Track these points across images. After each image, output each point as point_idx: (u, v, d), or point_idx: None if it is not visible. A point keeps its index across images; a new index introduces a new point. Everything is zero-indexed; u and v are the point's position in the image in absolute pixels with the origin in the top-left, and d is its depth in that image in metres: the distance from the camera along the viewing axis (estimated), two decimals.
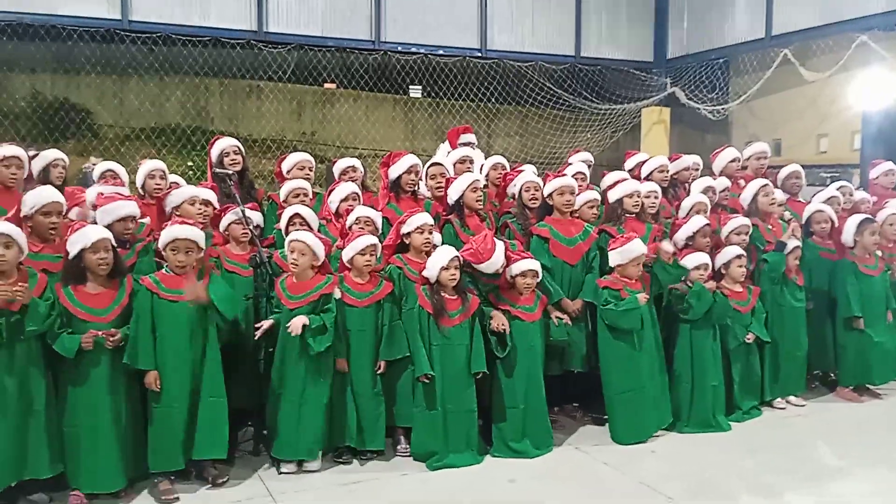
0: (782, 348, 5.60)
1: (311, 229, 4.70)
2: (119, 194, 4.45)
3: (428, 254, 4.65)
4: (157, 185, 5.06)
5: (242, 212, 4.60)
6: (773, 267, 5.52)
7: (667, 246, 5.02)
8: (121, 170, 5.36)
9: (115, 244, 3.97)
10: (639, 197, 5.36)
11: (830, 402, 5.86)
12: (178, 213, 4.53)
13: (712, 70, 14.01)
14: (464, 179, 5.20)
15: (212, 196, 4.89)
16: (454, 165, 5.76)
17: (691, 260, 5.13)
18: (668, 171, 6.15)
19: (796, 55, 12.24)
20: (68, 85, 13.24)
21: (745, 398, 5.40)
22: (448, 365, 4.51)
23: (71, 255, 3.88)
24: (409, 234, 4.70)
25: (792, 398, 5.68)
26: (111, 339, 3.84)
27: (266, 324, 4.31)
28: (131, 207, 4.33)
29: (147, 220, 4.65)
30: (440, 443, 4.50)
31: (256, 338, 4.29)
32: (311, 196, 5.25)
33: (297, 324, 4.20)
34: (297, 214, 4.78)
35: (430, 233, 4.70)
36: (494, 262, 4.64)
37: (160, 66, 12.63)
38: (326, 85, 14.80)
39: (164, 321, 4.00)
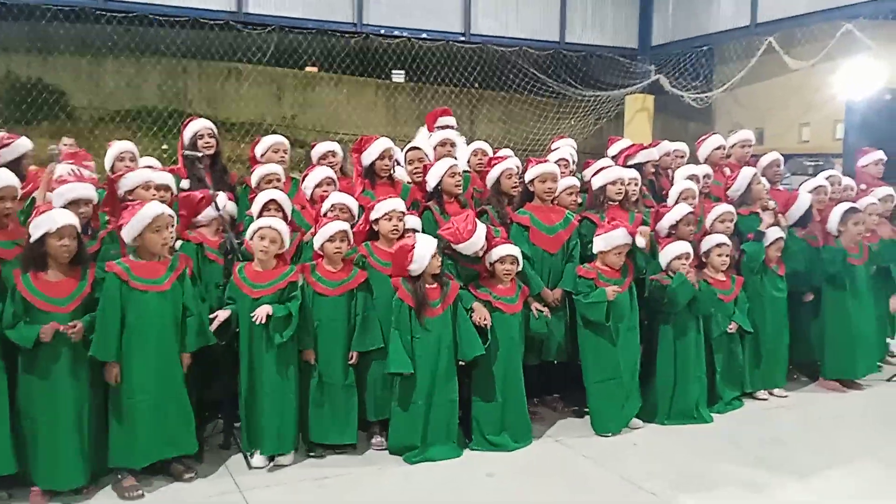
0: (763, 339, 5.53)
1: (285, 216, 4.54)
2: (76, 174, 4.26)
3: (398, 240, 4.48)
4: (126, 167, 4.86)
5: (215, 204, 4.43)
6: (752, 257, 5.45)
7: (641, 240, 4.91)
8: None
9: (80, 231, 3.78)
10: (622, 185, 5.24)
11: (813, 392, 5.80)
12: (131, 198, 4.27)
13: (696, 58, 13.94)
14: (441, 165, 5.05)
15: (169, 180, 4.66)
16: (435, 149, 5.60)
17: (672, 249, 5.03)
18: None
19: (781, 43, 12.18)
20: (43, 65, 12.94)
21: (727, 389, 5.32)
22: (431, 356, 4.35)
23: (33, 239, 3.67)
24: (377, 220, 4.55)
25: (774, 390, 5.62)
26: (73, 331, 3.65)
27: (222, 314, 4.13)
28: (82, 190, 4.12)
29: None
30: (419, 436, 4.37)
31: (212, 328, 4.09)
32: (283, 181, 5.08)
33: (261, 312, 4.06)
34: (272, 200, 4.60)
35: (400, 219, 4.54)
36: (474, 243, 4.51)
37: (137, 47, 12.35)
38: (307, 68, 14.58)
39: (134, 311, 3.81)
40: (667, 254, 5.01)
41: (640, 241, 4.84)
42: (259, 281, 4.20)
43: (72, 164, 4.76)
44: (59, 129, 12.10)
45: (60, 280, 3.74)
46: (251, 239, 4.25)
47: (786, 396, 5.60)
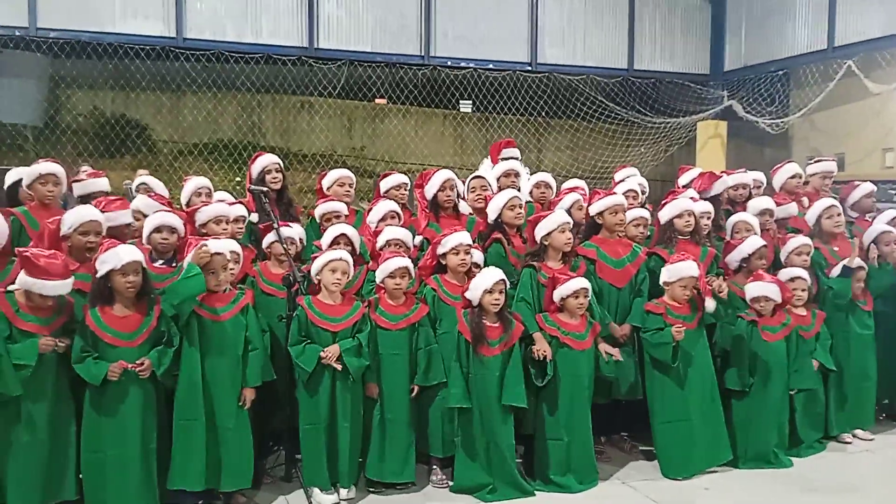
0: (848, 378, 5.24)
1: (354, 250, 4.58)
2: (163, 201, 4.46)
3: (467, 275, 4.47)
4: (202, 202, 4.98)
5: (277, 230, 4.48)
6: (839, 294, 5.17)
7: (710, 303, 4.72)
8: (158, 183, 5.45)
9: (145, 266, 3.87)
10: (690, 216, 5.07)
11: None
12: (204, 231, 4.42)
13: (772, 82, 13.55)
14: (501, 197, 4.98)
15: (242, 211, 4.79)
16: (498, 179, 5.55)
17: (753, 289, 4.82)
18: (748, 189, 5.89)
19: (861, 66, 11.74)
20: (126, 101, 13.54)
21: (808, 431, 5.05)
22: (485, 394, 4.27)
23: (99, 275, 3.76)
24: (444, 255, 4.51)
25: (859, 432, 5.30)
26: (141, 369, 3.74)
27: (334, 351, 4.10)
28: (167, 217, 4.27)
29: None
30: (487, 475, 4.28)
31: (331, 362, 4.08)
32: (345, 216, 5.10)
33: (333, 352, 4.08)
34: (342, 234, 4.62)
35: (467, 253, 4.50)
36: (552, 221, 4.58)
37: (213, 83, 12.78)
38: (376, 100, 14.82)
39: (205, 337, 3.94)
40: (749, 292, 4.84)
41: (710, 306, 4.67)
42: (335, 315, 4.21)
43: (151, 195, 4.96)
44: (141, 163, 12.60)
45: (127, 315, 3.82)
46: (320, 273, 4.26)
47: (871, 439, 5.28)
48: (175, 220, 4.31)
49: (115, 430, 3.75)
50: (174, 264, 4.23)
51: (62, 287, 3.68)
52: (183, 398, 3.92)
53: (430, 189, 5.12)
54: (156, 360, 3.79)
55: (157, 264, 4.21)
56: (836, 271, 5.22)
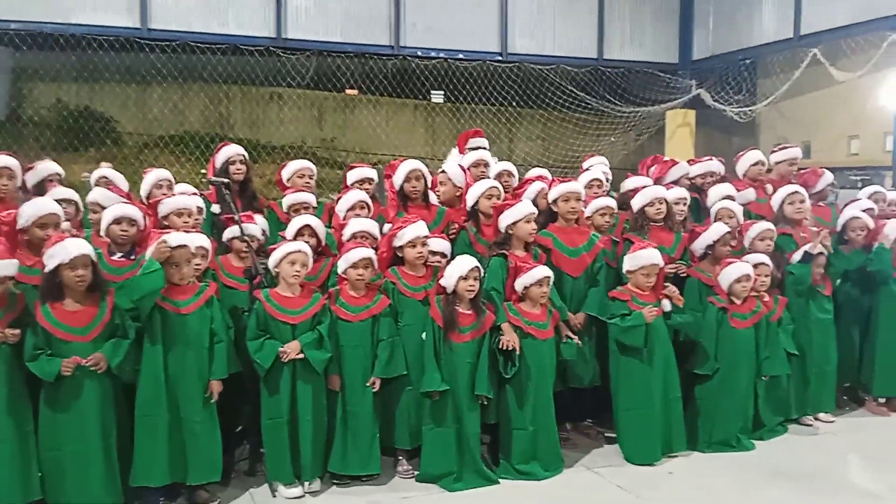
0: (810, 362, 5.31)
1: (319, 242, 4.55)
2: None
3: (425, 266, 4.46)
4: (163, 195, 4.92)
5: (239, 224, 4.42)
6: (799, 279, 5.23)
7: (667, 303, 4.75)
8: (118, 176, 5.34)
9: (94, 259, 3.76)
10: (661, 203, 5.10)
11: (861, 417, 5.55)
12: (167, 223, 4.35)
13: (739, 71, 13.70)
14: (479, 186, 4.97)
15: (201, 203, 4.73)
16: (469, 169, 5.54)
17: (731, 272, 4.86)
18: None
19: (826, 55, 11.90)
20: (91, 93, 13.33)
21: (770, 415, 5.11)
22: (453, 383, 4.26)
23: (47, 269, 3.65)
24: (401, 247, 4.48)
25: (821, 415, 5.38)
26: (93, 363, 3.66)
27: (294, 348, 4.06)
28: (127, 209, 4.18)
29: None
30: (454, 462, 4.29)
31: (292, 357, 4.05)
32: (313, 207, 5.06)
33: (293, 348, 4.05)
34: (307, 226, 4.56)
35: (424, 245, 4.47)
36: (518, 211, 4.55)
37: (180, 74, 12.61)
38: (347, 91, 14.74)
39: (168, 331, 3.87)
40: (726, 277, 4.86)
41: (666, 305, 4.70)
42: (294, 307, 4.16)
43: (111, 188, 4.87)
44: (106, 155, 12.42)
45: (79, 309, 3.72)
46: (278, 265, 4.20)
47: (832, 422, 5.36)
48: (135, 212, 4.23)
49: (73, 427, 3.68)
50: (133, 257, 4.17)
51: (4, 267, 3.60)
52: (145, 393, 3.85)
53: (397, 180, 5.09)
54: (109, 353, 3.71)
55: (115, 257, 4.14)
56: (797, 257, 5.29)
